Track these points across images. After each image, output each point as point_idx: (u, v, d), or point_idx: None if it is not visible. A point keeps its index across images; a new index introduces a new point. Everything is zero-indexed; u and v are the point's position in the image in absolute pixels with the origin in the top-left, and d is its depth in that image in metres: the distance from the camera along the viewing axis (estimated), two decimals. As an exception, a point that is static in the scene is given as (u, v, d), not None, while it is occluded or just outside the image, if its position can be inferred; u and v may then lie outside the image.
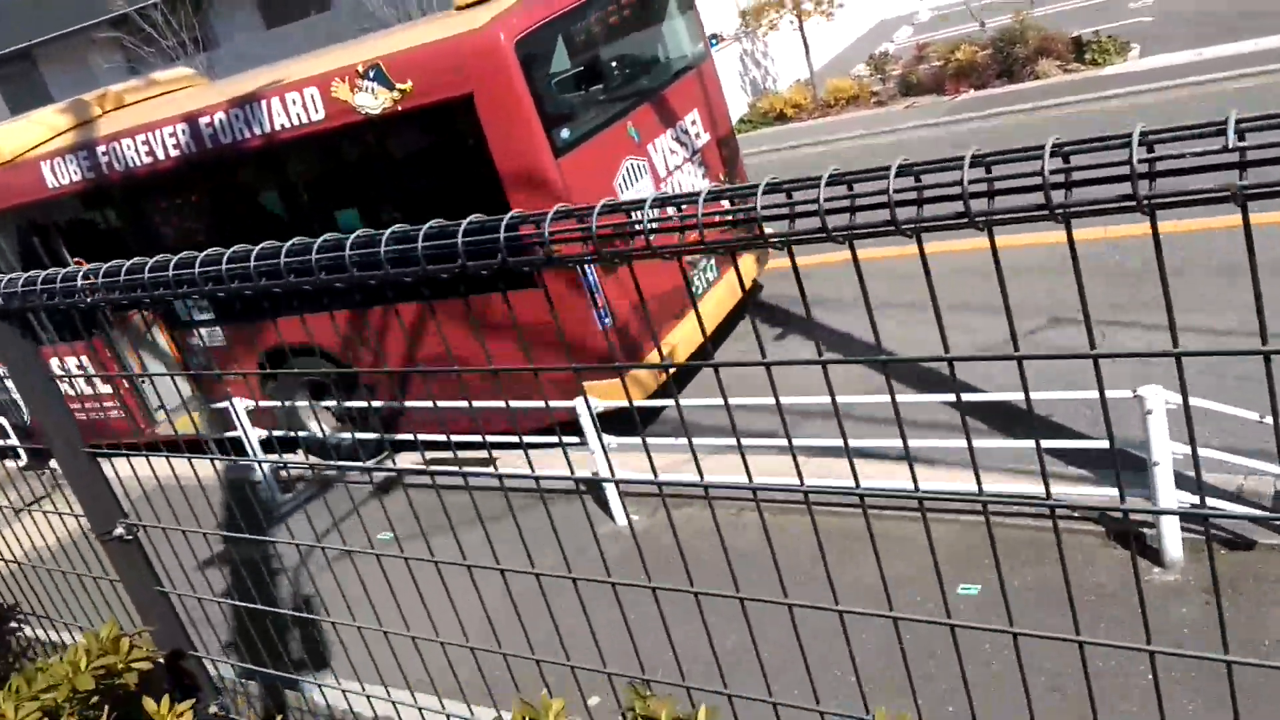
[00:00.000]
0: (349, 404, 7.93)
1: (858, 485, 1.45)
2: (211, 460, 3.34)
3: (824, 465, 6.32)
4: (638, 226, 1.27)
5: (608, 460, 6.42)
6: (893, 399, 1.42)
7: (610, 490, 6.30)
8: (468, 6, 7.08)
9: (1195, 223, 6.52)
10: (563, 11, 6.80)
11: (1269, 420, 4.25)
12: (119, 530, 1.88)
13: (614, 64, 7.55)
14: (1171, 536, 4.70)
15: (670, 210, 1.25)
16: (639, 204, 1.26)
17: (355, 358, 7.84)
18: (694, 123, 7.86)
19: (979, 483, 1.43)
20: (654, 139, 7.38)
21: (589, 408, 5.61)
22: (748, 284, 8.30)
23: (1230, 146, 0.85)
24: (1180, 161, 0.88)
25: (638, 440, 6.75)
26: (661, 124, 7.49)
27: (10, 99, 22.71)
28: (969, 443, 1.39)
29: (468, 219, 1.46)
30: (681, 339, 7.43)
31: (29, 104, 22.24)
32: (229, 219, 7.93)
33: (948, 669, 4.36)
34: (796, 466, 1.56)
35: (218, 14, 21.23)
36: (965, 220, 1.01)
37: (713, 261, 7.90)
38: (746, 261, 8.32)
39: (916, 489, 1.42)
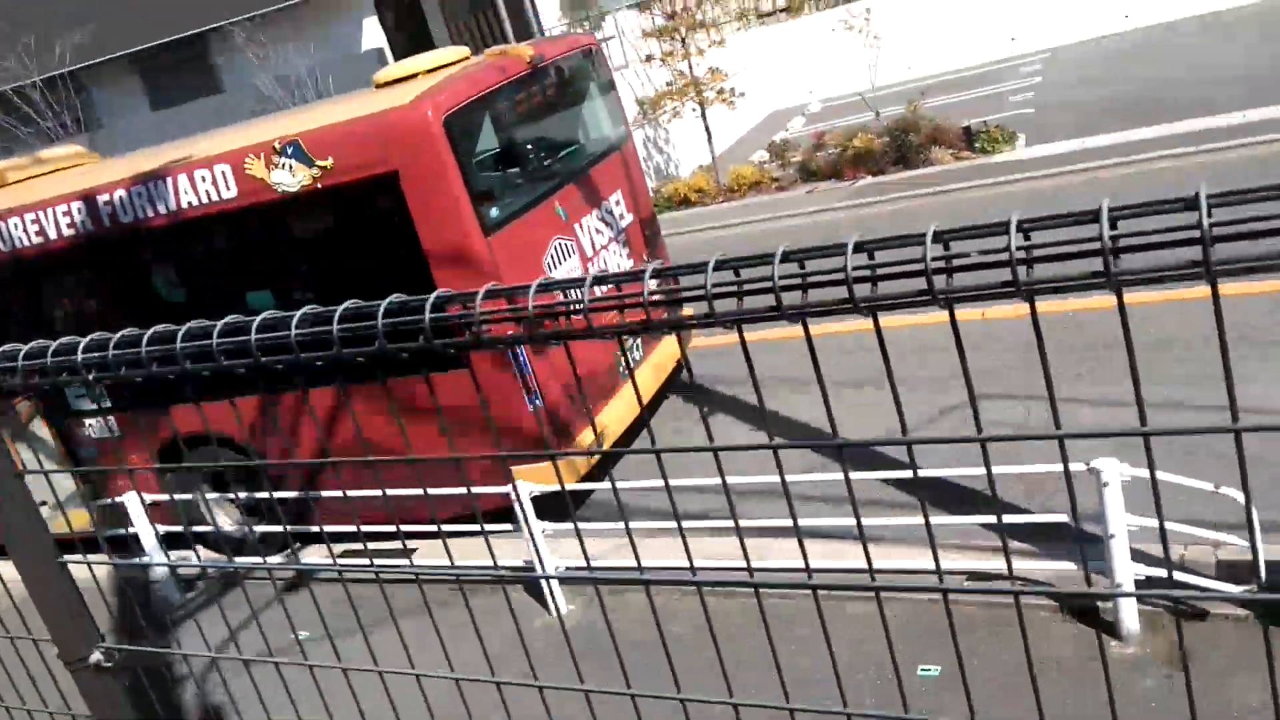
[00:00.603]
0: (256, 495, 7.46)
1: (809, 574, 1.37)
2: (110, 560, 3.10)
3: (764, 545, 6.19)
4: (577, 305, 1.21)
5: (537, 552, 6.17)
6: (847, 481, 1.36)
7: (545, 586, 6.01)
8: (388, 85, 6.94)
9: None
10: (489, 90, 6.71)
11: (1225, 491, 4.30)
12: (95, 657, 1.59)
13: (539, 143, 7.48)
14: (1128, 610, 4.69)
15: (599, 290, 1.19)
16: (577, 282, 1.20)
17: (262, 448, 7.41)
18: (618, 203, 7.82)
19: (939, 569, 1.40)
20: (581, 218, 7.30)
21: (518, 494, 5.39)
22: (672, 363, 8.21)
23: (1104, 235, 0.90)
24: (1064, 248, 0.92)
25: (567, 525, 6.52)
26: (587, 204, 7.42)
27: None
28: (928, 527, 1.33)
29: (389, 298, 1.35)
30: (612, 419, 7.26)
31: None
32: (129, 302, 7.48)
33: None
34: (745, 555, 1.45)
35: (100, 94, 20.57)
36: (928, 297, 0.99)
37: (639, 341, 7.80)
38: (670, 342, 8.24)
39: (873, 576, 1.37)
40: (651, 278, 1.16)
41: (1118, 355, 7.05)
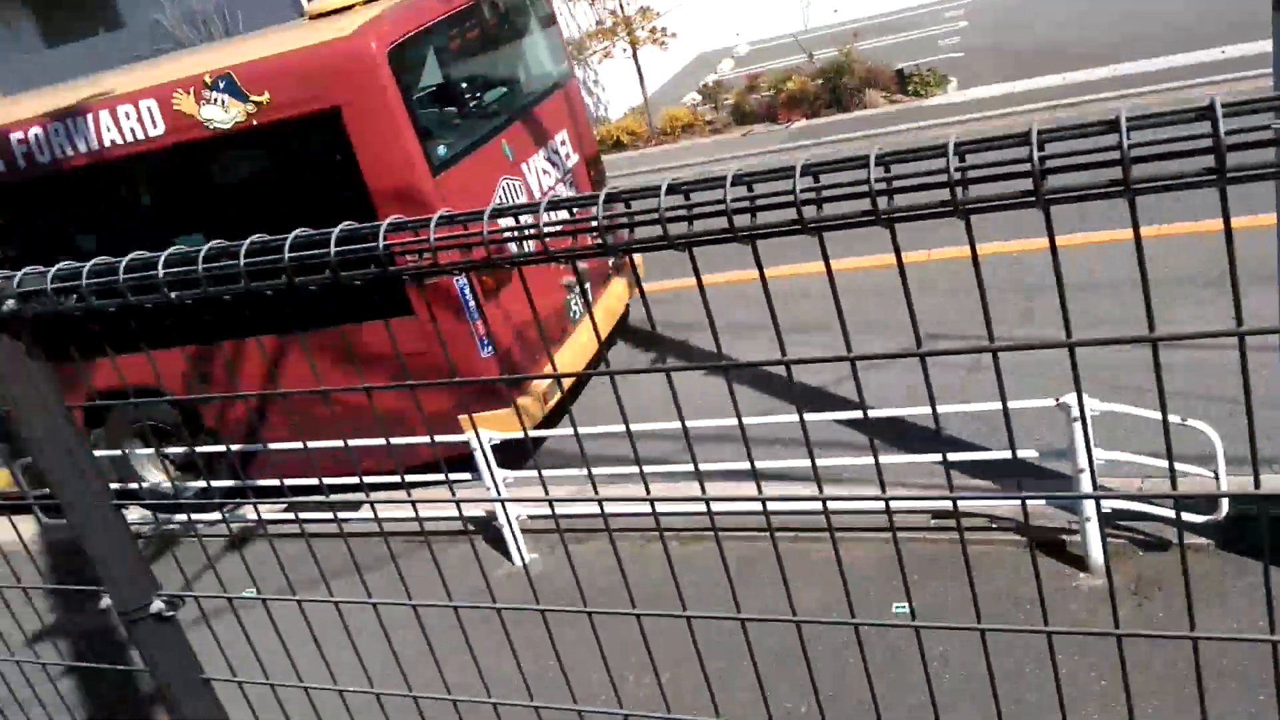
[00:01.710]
0: (201, 450, 7.14)
1: (821, 491, 1.36)
2: (36, 517, 2.96)
3: (723, 489, 6.14)
4: (533, 229, 1.18)
5: (499, 492, 6.03)
6: (800, 412, 1.34)
7: (506, 529, 5.87)
8: (323, 16, 6.58)
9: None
10: (433, 21, 6.40)
11: (1192, 423, 4.36)
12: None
13: (483, 80, 7.20)
14: (1095, 542, 4.76)
15: (561, 215, 1.17)
16: (532, 208, 1.16)
17: (197, 402, 7.09)
18: (563, 142, 7.59)
19: (883, 487, 1.36)
20: (528, 158, 7.06)
21: (480, 439, 5.23)
22: (620, 308, 8.07)
23: (1034, 156, 0.93)
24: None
25: (528, 473, 6.39)
26: (534, 143, 7.18)
27: None
28: (875, 453, 1.38)
29: (340, 225, 1.27)
30: (565, 364, 7.10)
31: None
32: (46, 248, 7.03)
33: (905, 680, 4.23)
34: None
35: (-11, 31, 19.34)
36: (871, 218, 1.02)
37: (586, 287, 7.63)
38: (619, 285, 8.09)
39: (821, 493, 1.35)
40: (606, 202, 1.13)
41: (1047, 297, 7.13)
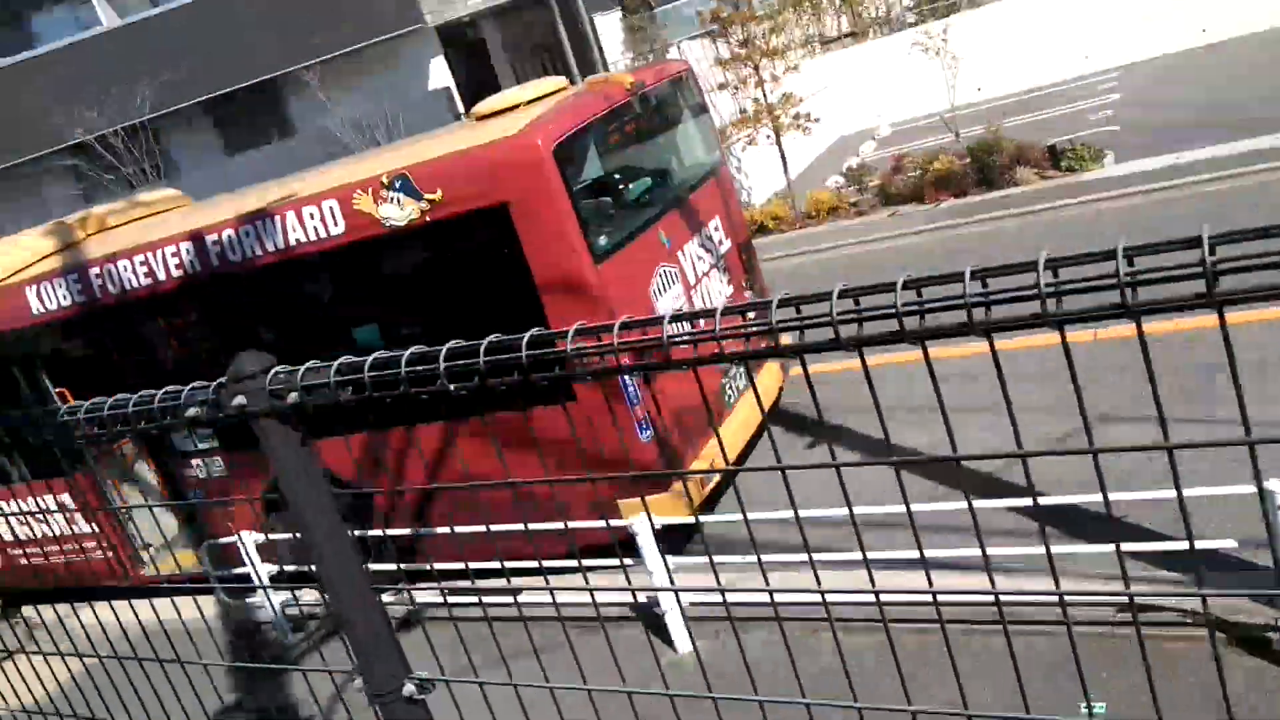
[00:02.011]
0: (363, 534, 7.39)
1: (994, 590, 1.37)
2: (218, 598, 3.06)
3: (893, 578, 5.96)
4: (703, 333, 1.28)
5: (670, 579, 6.01)
6: (969, 499, 1.37)
7: (671, 614, 5.84)
8: (489, 116, 6.93)
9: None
10: (594, 118, 6.66)
11: None
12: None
13: (640, 171, 7.41)
14: (1307, 641, 4.41)
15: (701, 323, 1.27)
16: (708, 313, 1.26)
17: (371, 485, 7.37)
18: (716, 229, 7.71)
19: (1056, 581, 1.34)
20: (683, 245, 7.20)
21: (649, 524, 5.24)
22: (775, 392, 8.04)
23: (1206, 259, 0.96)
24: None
25: (690, 559, 6.36)
26: (689, 230, 7.32)
27: (-41, 230, 22.07)
28: (1046, 544, 1.35)
29: (529, 333, 1.44)
30: (716, 453, 7.10)
31: (-21, 235, 21.64)
32: (236, 340, 7.52)
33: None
34: (928, 573, 1.47)
35: (177, 140, 21.06)
36: (1041, 321, 1.05)
37: (740, 371, 7.65)
38: (772, 370, 8.09)
39: (994, 586, 1.36)
40: (779, 307, 1.19)
41: (1224, 377, 6.74)
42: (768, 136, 14.81)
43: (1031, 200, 12.55)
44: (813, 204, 14.65)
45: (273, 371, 1.41)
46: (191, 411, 1.50)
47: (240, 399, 1.41)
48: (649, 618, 6.25)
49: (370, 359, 1.48)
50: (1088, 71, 19.50)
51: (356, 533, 7.41)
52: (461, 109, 21.59)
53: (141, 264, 7.42)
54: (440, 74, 21.43)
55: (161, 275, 7.37)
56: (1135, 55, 19.30)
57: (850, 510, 1.37)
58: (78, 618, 2.54)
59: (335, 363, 1.48)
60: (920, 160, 14.33)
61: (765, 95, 14.52)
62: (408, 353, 1.52)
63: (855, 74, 21.43)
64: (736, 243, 8.01)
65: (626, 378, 6.44)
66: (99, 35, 20.86)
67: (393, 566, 7.40)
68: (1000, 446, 1.25)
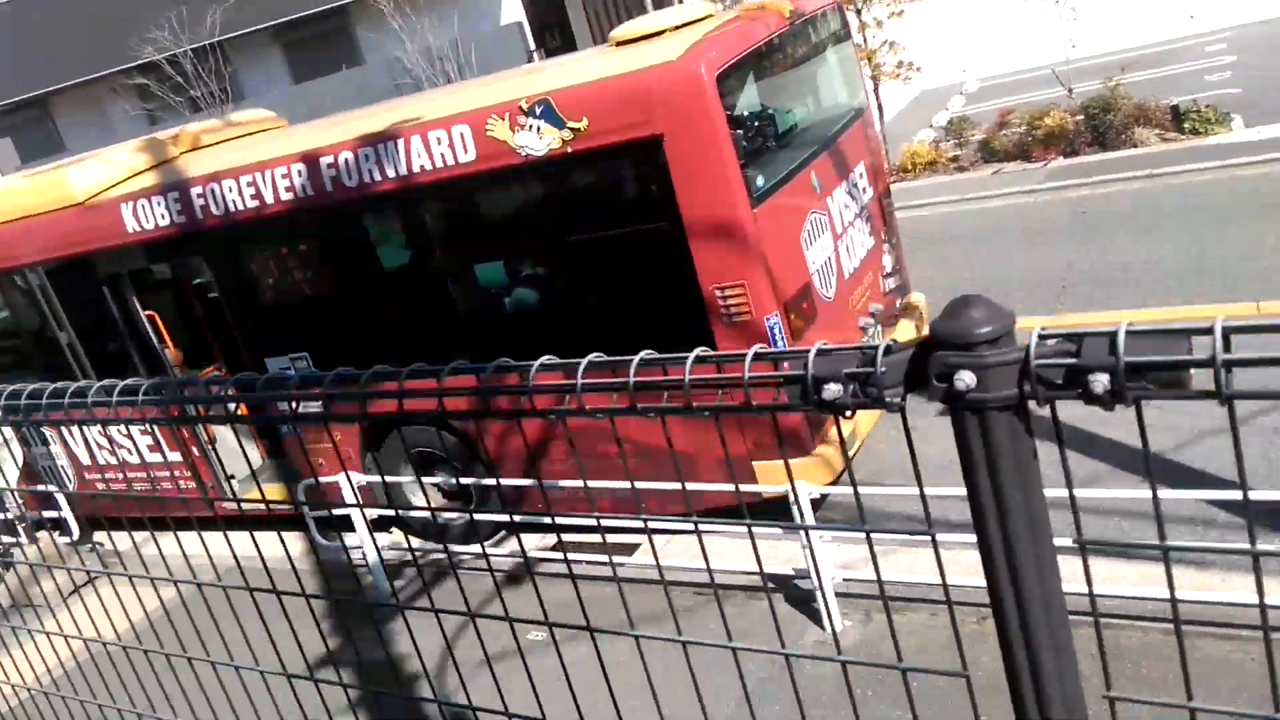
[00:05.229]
0: (482, 481, 7.00)
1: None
2: (311, 537, 2.73)
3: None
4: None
5: (813, 557, 5.58)
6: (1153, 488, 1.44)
7: (826, 590, 5.41)
8: (629, 42, 6.38)
9: None
10: (756, 46, 6.10)
11: None
12: None
13: (795, 107, 6.87)
14: None
15: None
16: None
17: (480, 429, 6.95)
18: (861, 174, 7.16)
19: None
20: (832, 190, 6.67)
21: (795, 490, 4.82)
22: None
23: None
24: None
25: (845, 531, 5.90)
26: (837, 174, 6.78)
27: (22, 147, 21.79)
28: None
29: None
30: (859, 415, 6.62)
31: (42, 152, 21.35)
32: (350, 270, 7.09)
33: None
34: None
35: (244, 66, 20.57)
36: None
37: (879, 329, 7.14)
38: (908, 328, 7.58)
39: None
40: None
41: None
42: (864, 84, 14.10)
43: (1153, 163, 11.85)
44: (909, 157, 14.00)
45: (1040, 336, 0.92)
46: (833, 390, 1.04)
47: (968, 377, 0.94)
48: (792, 590, 5.84)
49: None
50: (1192, 32, 18.55)
51: (465, 481, 6.99)
52: (532, 44, 20.95)
53: (248, 185, 6.97)
54: (512, 8, 20.78)
55: (269, 198, 6.92)
56: (1244, 17, 18.31)
57: (1070, 490, 1.09)
58: (157, 546, 2.32)
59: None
60: (1028, 116, 13.61)
61: (865, 40, 13.81)
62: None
63: (937, 27, 20.54)
64: (877, 191, 7.46)
65: (775, 332, 5.96)
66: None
67: (503, 517, 7.02)
68: None
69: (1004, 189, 12.61)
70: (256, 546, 2.01)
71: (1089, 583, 1.13)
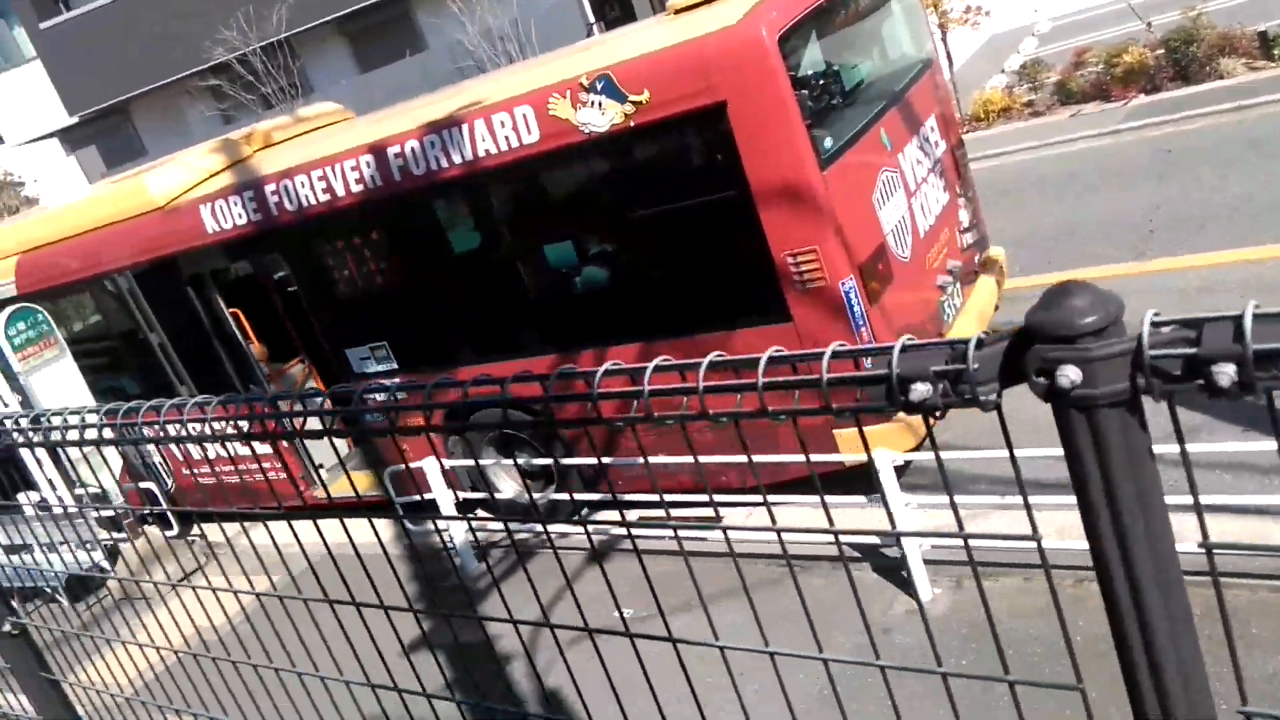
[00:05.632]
0: (564, 461, 7.04)
1: None
2: (402, 523, 2.75)
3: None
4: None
5: (891, 521, 5.49)
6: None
7: (914, 557, 5.33)
8: (687, 9, 6.28)
9: None
10: (818, 2, 5.96)
11: None
12: None
13: (861, 64, 6.71)
14: None
15: None
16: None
17: (556, 409, 6.97)
18: (933, 129, 6.97)
19: None
20: (903, 147, 6.50)
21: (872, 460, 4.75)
22: (991, 310, 7.34)
23: None
24: None
25: (932, 498, 5.80)
26: (908, 130, 6.61)
27: (106, 154, 22.51)
28: None
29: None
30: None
31: (124, 158, 22.01)
32: (421, 257, 7.17)
33: None
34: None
35: (311, 59, 20.86)
36: None
37: (957, 286, 6.97)
38: (987, 284, 7.39)
39: None
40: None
41: None
42: (932, 34, 13.72)
43: (1242, 94, 11.31)
44: (981, 105, 13.61)
45: (1153, 323, 0.86)
46: (921, 390, 0.99)
47: (1073, 373, 0.89)
48: (878, 559, 5.76)
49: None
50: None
51: (542, 461, 7.03)
52: (591, 17, 20.85)
53: (319, 179, 7.07)
54: (571, -17, 20.67)
55: (340, 190, 7.01)
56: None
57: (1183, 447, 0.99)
58: (248, 538, 2.35)
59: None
60: (1105, 53, 13.10)
61: (932, -12, 13.43)
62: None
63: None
64: (950, 143, 7.26)
65: (851, 296, 5.85)
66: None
67: (583, 496, 7.06)
68: None
69: (1083, 131, 12.18)
70: (347, 533, 2.03)
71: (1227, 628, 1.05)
